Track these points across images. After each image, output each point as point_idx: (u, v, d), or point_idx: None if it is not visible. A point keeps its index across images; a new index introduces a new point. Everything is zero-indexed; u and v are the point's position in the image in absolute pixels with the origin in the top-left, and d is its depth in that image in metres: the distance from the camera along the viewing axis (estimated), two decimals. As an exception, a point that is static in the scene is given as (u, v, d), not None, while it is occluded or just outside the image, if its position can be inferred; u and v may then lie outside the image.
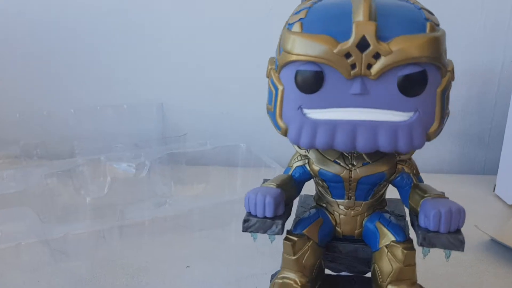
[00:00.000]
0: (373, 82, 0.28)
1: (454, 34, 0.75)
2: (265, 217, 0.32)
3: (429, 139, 0.30)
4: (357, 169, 0.33)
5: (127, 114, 0.72)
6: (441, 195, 0.32)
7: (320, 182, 0.35)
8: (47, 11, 0.78)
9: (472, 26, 0.75)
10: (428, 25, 0.28)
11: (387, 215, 0.35)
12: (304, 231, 0.34)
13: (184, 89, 0.79)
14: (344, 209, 0.35)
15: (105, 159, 0.56)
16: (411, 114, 0.29)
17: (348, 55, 0.28)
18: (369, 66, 0.28)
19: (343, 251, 0.36)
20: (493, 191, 0.70)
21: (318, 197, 0.37)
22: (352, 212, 0.35)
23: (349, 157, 0.34)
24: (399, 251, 0.32)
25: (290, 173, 0.36)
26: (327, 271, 0.38)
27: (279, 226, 0.32)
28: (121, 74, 0.80)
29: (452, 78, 0.30)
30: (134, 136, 0.72)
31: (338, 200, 0.35)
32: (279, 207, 0.32)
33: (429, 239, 0.30)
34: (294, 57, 0.29)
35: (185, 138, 0.64)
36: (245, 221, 0.32)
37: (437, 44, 0.28)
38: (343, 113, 0.29)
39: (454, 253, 0.52)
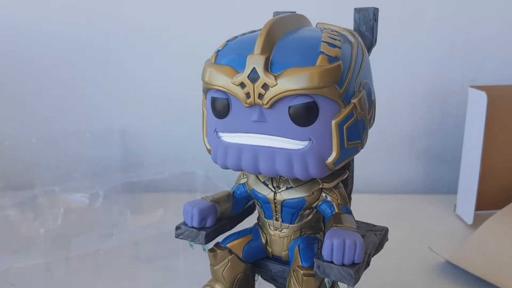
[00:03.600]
0: (269, 111, 0.30)
1: (414, 57, 0.77)
2: (193, 227, 0.36)
3: (330, 168, 0.31)
4: (281, 192, 0.35)
5: (90, 142, 0.72)
6: (349, 227, 0.32)
7: (256, 201, 0.37)
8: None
9: (431, 48, 0.76)
10: (320, 57, 0.30)
11: (310, 241, 0.35)
12: (229, 245, 0.36)
13: (146, 114, 0.79)
14: (273, 230, 0.36)
15: (60, 190, 0.56)
16: (305, 143, 0.30)
17: (243, 85, 0.30)
18: (260, 96, 0.30)
19: (273, 270, 0.37)
20: (454, 211, 0.70)
21: (258, 215, 0.38)
22: (280, 233, 0.36)
23: (278, 179, 0.35)
24: (300, 275, 0.33)
25: (232, 189, 0.38)
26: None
27: (203, 237, 0.35)
28: (83, 100, 0.80)
29: (360, 109, 0.31)
30: (96, 163, 0.71)
31: (268, 220, 0.36)
32: (206, 219, 0.36)
33: (323, 268, 0.30)
34: (207, 85, 0.32)
35: (143, 165, 0.64)
36: (176, 228, 0.36)
37: (326, 77, 0.29)
38: (246, 138, 0.32)
39: (408, 275, 0.53)
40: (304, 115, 0.30)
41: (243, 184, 0.38)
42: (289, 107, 0.30)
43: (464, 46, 0.75)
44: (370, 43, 0.40)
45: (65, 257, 0.45)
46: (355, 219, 0.41)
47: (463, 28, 0.75)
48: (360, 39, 0.35)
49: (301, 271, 0.33)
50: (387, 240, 0.39)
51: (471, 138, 0.66)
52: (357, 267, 0.30)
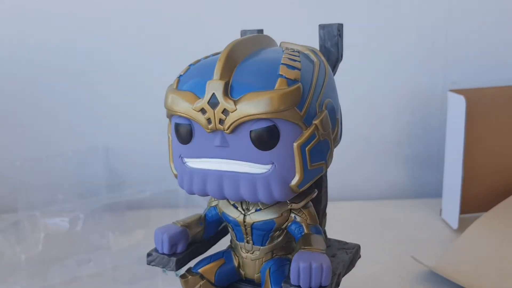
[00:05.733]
0: (231, 135, 0.30)
1: (395, 62, 0.77)
2: (164, 254, 0.35)
3: (294, 191, 0.31)
4: (251, 215, 0.34)
5: (73, 161, 0.72)
6: (317, 249, 0.31)
7: (227, 223, 0.36)
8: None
9: (411, 52, 0.76)
10: (278, 81, 0.30)
11: (282, 263, 0.35)
12: (200, 270, 0.36)
13: (129, 132, 0.78)
14: (245, 253, 0.36)
15: (41, 215, 0.55)
16: (268, 167, 0.30)
17: (203, 111, 0.30)
18: (221, 121, 0.30)
19: None
20: (440, 215, 0.70)
21: (231, 238, 0.38)
22: (252, 256, 0.36)
23: (247, 202, 0.35)
24: None
25: (204, 212, 0.38)
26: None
27: (173, 263, 0.35)
28: (65, 120, 0.80)
29: (322, 130, 0.31)
30: (80, 183, 0.71)
31: (240, 243, 0.36)
32: (177, 245, 0.35)
33: None
34: (169, 111, 0.32)
35: (125, 184, 0.64)
36: (148, 255, 0.36)
37: (285, 100, 0.29)
38: (211, 164, 0.31)
39: (392, 285, 0.53)
40: (265, 139, 0.30)
41: (214, 207, 0.38)
42: (250, 131, 0.30)
43: (444, 49, 0.75)
44: (335, 59, 0.40)
45: (43, 285, 0.45)
46: (327, 236, 0.42)
47: (442, 31, 0.75)
48: (322, 58, 0.35)
49: None
50: (360, 257, 0.39)
51: (452, 142, 0.66)
52: None
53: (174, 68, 0.75)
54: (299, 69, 0.31)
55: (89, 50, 0.78)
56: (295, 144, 0.30)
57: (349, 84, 0.76)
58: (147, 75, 0.77)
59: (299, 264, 0.30)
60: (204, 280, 0.36)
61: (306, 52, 0.35)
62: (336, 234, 0.42)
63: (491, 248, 0.55)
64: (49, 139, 0.79)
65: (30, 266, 0.51)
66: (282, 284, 0.31)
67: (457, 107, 0.63)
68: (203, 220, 0.38)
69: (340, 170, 0.77)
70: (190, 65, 0.34)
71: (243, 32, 0.44)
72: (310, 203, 0.36)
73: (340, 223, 0.57)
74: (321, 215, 0.42)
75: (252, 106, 0.29)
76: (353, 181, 0.79)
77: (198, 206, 0.59)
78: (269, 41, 0.37)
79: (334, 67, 0.40)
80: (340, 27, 0.40)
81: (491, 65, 0.75)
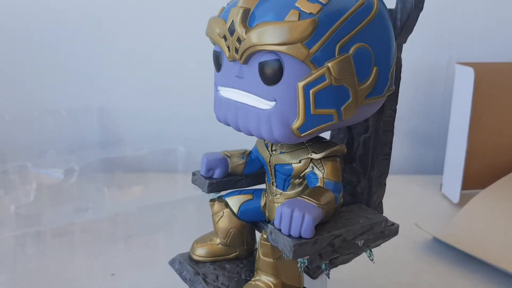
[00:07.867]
0: (246, 66, 0.29)
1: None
2: (202, 175, 0.37)
3: (296, 134, 0.29)
4: (275, 156, 0.33)
5: (66, 120, 0.69)
6: (312, 200, 0.29)
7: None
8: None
9: (417, 27, 0.75)
10: (290, 12, 0.27)
11: None
12: (227, 198, 0.37)
13: (125, 91, 0.76)
14: (270, 194, 0.35)
15: (33, 166, 0.53)
16: (271, 103, 0.29)
17: (225, 38, 0.29)
18: (236, 50, 0.29)
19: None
20: (440, 190, 0.69)
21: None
22: (274, 198, 0.35)
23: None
24: (261, 239, 0.32)
25: (251, 149, 0.38)
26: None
27: (206, 186, 0.36)
28: (59, 77, 0.77)
29: (335, 74, 0.28)
30: (72, 142, 0.69)
31: (268, 184, 0.36)
32: (214, 170, 0.36)
33: (274, 235, 0.29)
34: (209, 38, 0.32)
35: (122, 143, 0.61)
36: (193, 174, 0.38)
37: (289, 33, 0.27)
38: (232, 93, 0.31)
39: (396, 253, 0.52)
40: (268, 72, 0.28)
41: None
42: (259, 63, 0.28)
43: (450, 24, 0.74)
44: (410, 7, 0.35)
45: (36, 231, 0.43)
46: (382, 209, 0.40)
47: (449, 5, 0.74)
48: (376, 1, 0.30)
49: (264, 235, 0.32)
50: (385, 232, 0.35)
51: (458, 116, 0.66)
52: (302, 242, 0.28)
53: (173, 28, 0.74)
54: (323, 4, 0.28)
55: (87, 7, 0.75)
56: (299, 84, 0.27)
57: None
58: (145, 35, 0.75)
59: (282, 208, 0.28)
60: (228, 209, 0.37)
61: None
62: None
63: (493, 219, 0.54)
64: (41, 96, 0.76)
65: (21, 216, 0.49)
66: (269, 225, 0.30)
67: (464, 79, 0.63)
68: (246, 155, 0.38)
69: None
70: None
71: None
72: (338, 158, 0.33)
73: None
74: (375, 184, 0.38)
75: (258, 36, 0.27)
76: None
77: (198, 167, 0.57)
78: None
79: (408, 16, 0.36)
80: None
81: (498, 42, 0.74)
